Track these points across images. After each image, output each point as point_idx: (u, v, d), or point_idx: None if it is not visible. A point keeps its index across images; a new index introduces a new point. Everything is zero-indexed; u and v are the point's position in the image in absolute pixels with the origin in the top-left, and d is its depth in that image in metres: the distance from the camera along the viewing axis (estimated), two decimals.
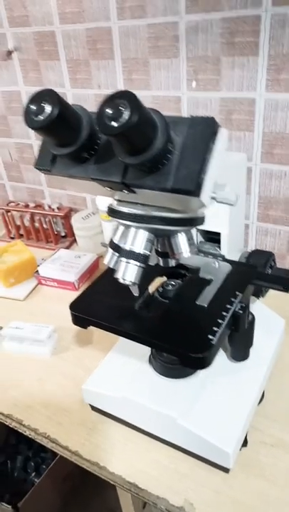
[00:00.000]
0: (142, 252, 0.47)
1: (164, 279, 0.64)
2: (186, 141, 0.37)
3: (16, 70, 1.04)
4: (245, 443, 0.63)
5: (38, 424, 0.71)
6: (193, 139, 0.37)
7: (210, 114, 0.85)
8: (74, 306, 0.58)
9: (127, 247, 0.48)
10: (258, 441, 0.65)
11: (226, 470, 0.61)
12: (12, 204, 1.24)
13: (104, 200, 1.04)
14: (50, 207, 1.20)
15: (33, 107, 0.36)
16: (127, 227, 0.48)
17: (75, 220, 1.13)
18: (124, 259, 0.47)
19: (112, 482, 0.65)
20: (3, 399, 0.76)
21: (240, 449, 0.63)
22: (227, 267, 0.61)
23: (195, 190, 0.36)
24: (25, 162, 1.22)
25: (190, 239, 0.50)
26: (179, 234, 0.50)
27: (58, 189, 1.23)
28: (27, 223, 1.22)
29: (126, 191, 0.42)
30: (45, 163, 0.44)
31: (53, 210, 1.19)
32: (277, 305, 0.78)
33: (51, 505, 1.28)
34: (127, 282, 0.47)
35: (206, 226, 0.69)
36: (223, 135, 0.40)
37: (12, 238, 1.26)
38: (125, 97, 0.33)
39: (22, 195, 1.31)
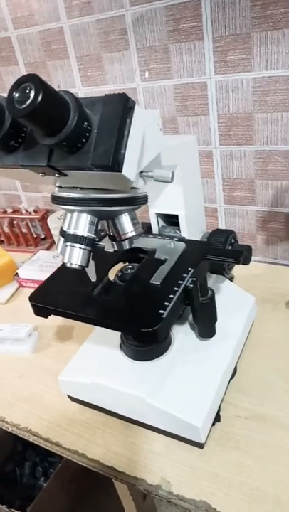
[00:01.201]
0: (85, 235, 0.49)
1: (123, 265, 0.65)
2: (102, 119, 0.38)
3: None
4: (218, 418, 0.64)
5: (20, 420, 0.72)
6: (108, 116, 0.38)
7: (166, 102, 0.86)
8: (33, 297, 0.59)
9: (71, 231, 0.49)
10: (233, 415, 0.66)
11: (200, 446, 0.62)
12: None
13: None
14: (27, 210, 1.22)
15: None
16: (71, 212, 0.50)
17: (51, 221, 1.15)
18: (68, 244, 0.49)
19: (92, 468, 0.66)
20: None
21: (214, 425, 0.64)
22: (181, 246, 0.62)
23: (113, 165, 0.38)
24: None
25: (134, 219, 0.51)
26: (122, 215, 0.51)
27: (33, 192, 1.25)
28: (6, 229, 1.24)
29: (57, 174, 0.43)
30: None
31: (30, 213, 1.21)
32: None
33: (60, 508, 1.29)
34: (73, 266, 0.49)
35: (163, 209, 0.71)
36: (148, 112, 0.42)
37: None
38: (30, 80, 0.34)
39: (0, 201, 1.33)
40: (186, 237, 0.69)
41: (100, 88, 0.91)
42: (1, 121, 0.40)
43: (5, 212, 1.23)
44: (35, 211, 1.21)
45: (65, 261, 0.49)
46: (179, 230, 0.70)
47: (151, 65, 0.84)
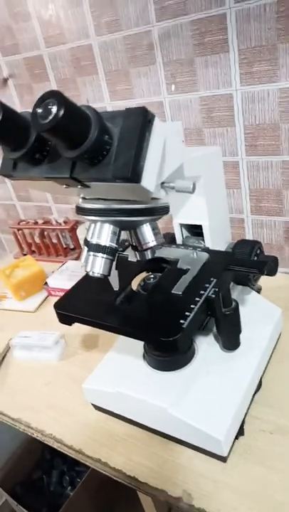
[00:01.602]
0: (107, 245, 0.50)
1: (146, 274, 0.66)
2: (122, 132, 0.39)
3: (12, 94, 1.11)
4: (242, 431, 0.63)
5: (45, 426, 0.73)
6: (128, 128, 0.39)
7: (192, 114, 0.87)
8: (58, 305, 0.61)
9: (94, 241, 0.50)
10: (257, 429, 0.65)
11: (223, 459, 0.61)
12: (23, 223, 1.30)
13: None
14: (57, 221, 1.25)
15: None
16: (94, 222, 0.51)
17: (80, 232, 1.17)
18: (91, 253, 0.50)
19: (114, 478, 0.66)
20: (12, 404, 0.79)
21: (238, 438, 0.63)
22: (204, 256, 0.62)
23: (132, 177, 0.39)
24: None
25: (155, 229, 0.52)
26: (144, 225, 0.52)
27: (63, 204, 1.28)
28: (37, 240, 1.27)
29: (80, 186, 0.45)
30: (7, 169, 0.48)
31: (60, 224, 1.24)
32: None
33: None
34: (96, 275, 0.50)
35: (187, 220, 0.72)
36: (168, 125, 0.42)
37: (25, 255, 1.31)
38: (52, 96, 0.36)
39: (31, 213, 1.37)
40: (210, 248, 0.69)
41: (127, 102, 0.93)
42: (26, 136, 0.42)
43: (36, 223, 1.27)
44: (65, 222, 1.24)
45: (88, 270, 0.50)
46: (203, 240, 0.70)
47: (177, 78, 0.85)
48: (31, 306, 1.07)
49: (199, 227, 0.70)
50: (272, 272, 0.67)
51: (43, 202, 1.31)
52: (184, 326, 0.50)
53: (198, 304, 0.53)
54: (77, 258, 1.25)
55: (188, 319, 0.51)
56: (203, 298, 0.54)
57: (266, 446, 0.62)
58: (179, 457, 0.63)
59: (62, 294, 1.08)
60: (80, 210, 0.51)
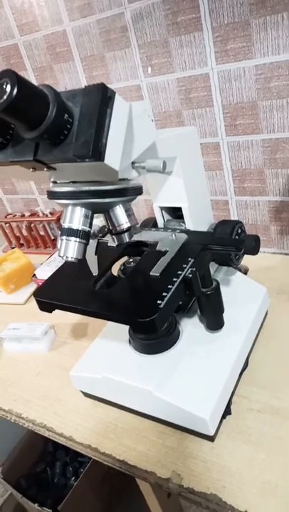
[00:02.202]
0: (80, 228, 0.49)
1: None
2: (82, 110, 0.39)
3: None
4: (228, 410, 0.63)
5: (36, 416, 0.74)
6: (87, 106, 0.38)
7: (170, 96, 0.86)
8: (37, 293, 0.60)
9: (66, 225, 0.50)
10: (245, 408, 0.65)
11: (210, 439, 0.61)
12: (10, 216, 1.29)
13: None
14: (43, 213, 1.24)
15: None
16: (65, 206, 0.50)
17: None
18: (64, 238, 0.49)
19: (104, 462, 0.66)
20: (4, 396, 0.79)
21: (225, 417, 0.63)
22: (183, 237, 0.61)
23: (93, 155, 0.38)
24: None
25: (128, 210, 0.52)
26: (116, 207, 0.51)
27: None
28: (25, 233, 1.27)
29: (46, 169, 0.44)
30: None
31: (46, 215, 1.23)
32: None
33: (92, 507, 1.30)
34: (69, 259, 0.49)
35: (166, 202, 0.71)
36: (124, 101, 0.42)
37: (13, 248, 1.31)
38: (6, 75, 0.35)
39: (18, 206, 1.36)
40: (191, 229, 0.69)
41: None
42: None
43: (23, 216, 1.26)
44: (51, 213, 1.23)
45: (61, 254, 0.49)
46: (184, 222, 0.70)
47: (153, 60, 0.84)
48: (20, 298, 1.07)
49: (180, 209, 0.69)
50: (253, 250, 0.67)
51: (29, 194, 1.31)
52: (161, 306, 0.50)
53: (176, 284, 0.52)
54: None
55: (166, 299, 0.50)
56: (180, 278, 0.53)
57: (254, 425, 0.62)
58: (169, 439, 0.64)
59: None
60: (51, 195, 0.50)
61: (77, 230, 0.49)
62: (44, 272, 1.08)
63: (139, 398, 0.63)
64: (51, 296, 0.59)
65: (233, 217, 0.95)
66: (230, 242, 0.59)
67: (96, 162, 0.39)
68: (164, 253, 0.59)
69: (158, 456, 0.62)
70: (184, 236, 0.62)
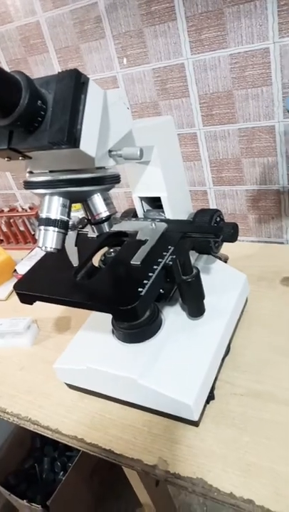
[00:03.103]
0: (58, 218, 0.49)
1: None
2: (56, 97, 0.39)
3: None
4: (212, 396, 0.64)
5: (21, 410, 0.73)
6: (61, 92, 0.38)
7: (146, 87, 0.86)
8: (18, 286, 0.60)
9: (43, 215, 0.49)
10: (229, 393, 0.66)
11: (195, 424, 0.62)
12: None
13: None
14: (23, 208, 1.23)
15: None
16: (43, 196, 0.50)
17: None
18: (42, 228, 0.49)
19: (91, 453, 0.66)
20: None
21: (208, 403, 0.64)
22: (163, 226, 0.62)
23: (68, 141, 0.38)
24: None
25: (106, 199, 0.51)
26: (94, 195, 0.51)
27: None
28: (5, 228, 1.25)
29: (21, 158, 0.44)
30: None
31: (26, 210, 1.22)
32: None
33: (82, 501, 1.30)
34: (48, 249, 0.49)
35: (145, 192, 0.71)
36: (98, 88, 0.42)
37: None
38: None
39: None
40: (158, 218, 0.69)
41: None
42: None
43: (2, 211, 1.25)
44: (30, 208, 1.22)
45: (40, 245, 0.49)
46: (163, 212, 0.70)
47: (128, 51, 0.84)
48: (2, 294, 1.06)
49: (159, 199, 0.70)
50: (231, 238, 0.68)
51: (7, 189, 1.29)
52: (142, 293, 0.50)
53: (156, 271, 0.53)
54: None
55: (146, 287, 0.51)
56: (160, 265, 0.54)
57: (237, 409, 0.63)
58: (154, 427, 0.64)
59: None
60: (28, 185, 0.50)
61: (55, 219, 0.49)
62: (25, 267, 1.07)
63: (123, 387, 0.64)
64: (32, 288, 0.58)
65: (212, 206, 0.96)
66: (210, 230, 0.59)
67: (72, 149, 0.39)
68: (144, 242, 0.59)
69: (144, 443, 0.63)
70: (164, 225, 0.62)
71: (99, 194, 0.51)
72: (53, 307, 0.93)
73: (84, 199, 0.51)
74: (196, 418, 0.60)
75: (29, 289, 0.58)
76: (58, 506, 1.14)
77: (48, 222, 0.49)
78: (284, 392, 0.64)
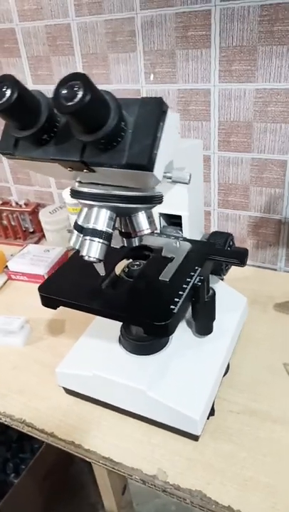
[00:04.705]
0: (104, 230, 0.50)
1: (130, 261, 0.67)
2: (138, 120, 0.40)
3: None
4: (212, 412, 0.67)
5: (15, 411, 0.72)
6: (144, 117, 0.40)
7: (168, 105, 0.89)
8: (42, 288, 0.60)
9: (90, 225, 0.50)
10: (225, 410, 0.69)
11: (195, 438, 0.64)
12: None
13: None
14: (17, 203, 1.21)
15: None
16: (90, 207, 0.51)
17: (43, 215, 1.15)
18: (87, 238, 0.50)
19: (88, 459, 0.67)
20: None
21: (208, 418, 0.66)
22: (187, 246, 0.64)
23: (147, 165, 0.40)
24: None
25: (150, 217, 0.53)
26: (139, 212, 0.53)
27: (24, 185, 1.24)
28: None
29: (86, 170, 0.45)
30: (8, 147, 0.46)
31: (20, 206, 1.20)
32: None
33: (33, 504, 1.29)
34: (91, 259, 0.50)
35: (168, 210, 0.73)
36: (172, 116, 0.44)
37: None
38: (78, 78, 0.36)
39: None
40: (187, 237, 0.72)
41: (104, 86, 0.91)
42: (37, 115, 0.41)
43: None
44: (26, 204, 1.20)
45: (84, 254, 0.50)
46: (180, 230, 0.73)
47: (156, 68, 0.86)
48: None
49: (176, 217, 0.72)
50: (244, 263, 0.72)
51: (2, 182, 1.27)
52: (175, 311, 0.52)
53: (186, 290, 0.55)
54: (38, 242, 1.22)
55: (178, 305, 0.53)
56: (190, 285, 0.56)
57: (234, 426, 0.66)
58: (153, 437, 0.66)
59: (24, 278, 1.06)
60: (77, 194, 0.51)
61: (102, 231, 0.50)
62: (17, 265, 1.06)
63: (130, 397, 0.65)
64: (58, 292, 0.59)
65: (214, 227, 1.00)
66: (234, 255, 0.62)
67: (144, 171, 0.41)
68: (170, 259, 0.62)
69: (143, 453, 0.64)
70: (188, 245, 0.64)
71: (143, 212, 0.53)
72: (45, 308, 0.93)
73: (128, 214, 0.53)
74: (199, 433, 0.63)
75: (56, 294, 0.58)
76: (10, 509, 1.12)
77: (95, 233, 0.50)
78: (278, 412, 0.68)
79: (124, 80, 0.90)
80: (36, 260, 1.07)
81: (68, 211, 1.10)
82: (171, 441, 0.65)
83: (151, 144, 0.40)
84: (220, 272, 0.74)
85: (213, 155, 0.90)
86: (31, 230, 1.26)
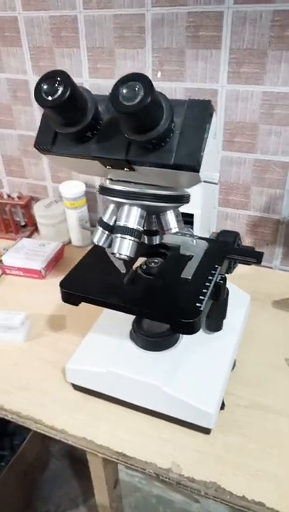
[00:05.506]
0: (135, 228, 0.51)
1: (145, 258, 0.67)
2: (186, 121, 0.41)
3: None
4: (222, 406, 0.69)
5: (20, 408, 0.72)
6: (193, 119, 0.41)
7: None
8: (64, 284, 0.60)
9: (122, 223, 0.51)
10: (233, 404, 0.71)
11: (206, 431, 0.66)
12: None
13: (68, 188, 1.06)
14: (9, 196, 1.19)
15: (46, 87, 0.38)
16: (120, 204, 0.51)
17: (38, 209, 1.13)
18: (119, 235, 0.50)
19: (100, 455, 0.67)
20: None
21: (218, 412, 0.68)
22: (204, 244, 0.66)
23: (196, 167, 0.40)
24: None
25: (178, 215, 0.54)
26: (168, 211, 0.53)
27: (17, 177, 1.22)
28: None
29: (126, 169, 0.45)
30: (46, 143, 0.46)
31: (13, 199, 1.18)
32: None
33: (14, 500, 1.28)
34: (122, 257, 0.50)
35: (181, 208, 0.75)
36: (213, 119, 0.45)
37: None
38: (139, 79, 0.36)
39: None
40: (198, 235, 0.73)
41: (109, 81, 0.92)
42: (84, 112, 0.41)
43: None
44: (18, 197, 1.18)
45: (115, 251, 0.50)
46: (191, 228, 0.74)
47: (164, 66, 0.86)
48: None
49: (186, 215, 0.73)
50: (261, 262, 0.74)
51: None
52: (201, 308, 0.53)
53: (210, 288, 0.57)
54: (30, 236, 1.21)
55: (204, 303, 0.54)
56: (212, 283, 0.58)
57: (243, 419, 0.68)
58: (163, 432, 0.67)
59: (19, 272, 1.05)
60: (108, 191, 0.51)
61: (133, 229, 0.50)
62: (12, 259, 1.04)
63: (143, 393, 0.66)
64: (80, 288, 0.59)
65: (213, 225, 1.02)
66: (251, 254, 0.64)
67: (191, 172, 0.42)
68: (189, 257, 0.63)
69: (155, 447, 0.65)
70: (205, 243, 0.66)
71: (172, 210, 0.53)
72: (45, 303, 0.93)
73: (157, 213, 0.54)
74: (212, 426, 0.64)
75: (79, 290, 0.58)
76: None
77: (126, 230, 0.50)
78: (282, 405, 0.70)
79: None
80: (32, 255, 1.05)
81: (65, 205, 1.09)
82: (181, 434, 0.67)
83: (199, 146, 0.40)
84: (228, 269, 0.75)
85: (217, 154, 0.92)
86: (23, 223, 1.23)
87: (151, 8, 0.81)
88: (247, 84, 0.82)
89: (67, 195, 1.06)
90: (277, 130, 0.84)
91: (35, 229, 1.21)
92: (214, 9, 0.77)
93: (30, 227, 1.22)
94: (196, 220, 0.72)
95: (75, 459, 1.41)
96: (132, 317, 0.70)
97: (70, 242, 1.16)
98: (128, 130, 0.40)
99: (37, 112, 1.06)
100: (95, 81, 0.94)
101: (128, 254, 0.51)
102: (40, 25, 0.92)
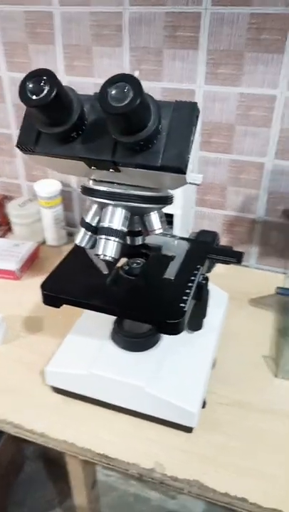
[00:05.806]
0: (120, 229, 0.50)
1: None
2: (172, 123, 0.41)
3: None
4: (204, 404, 0.69)
5: None
6: (179, 121, 0.41)
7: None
8: (45, 286, 0.59)
9: (106, 224, 0.50)
10: (214, 402, 0.71)
11: (189, 430, 0.67)
12: None
13: (43, 187, 1.04)
14: None
15: (31, 86, 0.37)
16: (104, 205, 0.51)
17: (12, 207, 1.11)
18: (103, 236, 0.50)
19: (81, 457, 0.67)
20: None
21: (200, 411, 0.69)
22: (185, 244, 0.66)
23: (183, 168, 0.41)
24: None
25: (162, 216, 0.54)
26: (152, 212, 0.53)
27: None
28: None
29: (111, 170, 0.44)
30: (29, 142, 0.45)
31: None
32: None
33: None
34: (107, 258, 0.50)
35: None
36: (199, 120, 0.45)
37: None
38: (127, 80, 0.36)
39: None
40: (178, 235, 0.73)
41: (86, 79, 0.90)
42: (70, 113, 0.40)
43: None
44: None
45: (100, 252, 0.50)
46: (171, 228, 0.74)
47: (142, 65, 0.86)
48: None
49: (168, 215, 0.73)
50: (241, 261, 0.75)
51: None
52: (185, 309, 0.54)
53: (192, 289, 0.57)
54: (3, 235, 1.18)
55: (188, 303, 0.54)
56: (195, 283, 0.58)
57: (224, 417, 0.69)
58: (145, 431, 0.67)
59: None
60: (91, 192, 0.50)
61: (117, 230, 0.50)
62: None
63: (126, 394, 0.66)
64: (62, 290, 0.58)
65: (190, 225, 1.02)
66: (232, 254, 0.65)
67: (178, 174, 0.42)
68: (171, 258, 0.63)
69: (137, 447, 0.65)
70: (186, 243, 0.66)
71: (156, 212, 0.53)
72: (21, 304, 0.91)
73: (141, 214, 0.53)
74: (195, 425, 0.65)
75: (61, 292, 0.57)
76: None
77: (110, 232, 0.50)
78: (262, 402, 0.72)
79: (108, 73, 0.88)
80: (6, 255, 1.03)
81: (40, 204, 1.07)
82: (164, 434, 0.67)
83: (186, 148, 0.40)
84: (209, 268, 0.76)
85: (196, 154, 0.93)
86: None
87: (129, 6, 0.81)
88: (224, 85, 0.83)
89: (42, 194, 1.04)
90: (253, 131, 0.86)
91: (9, 228, 1.18)
92: (192, 10, 0.78)
93: (4, 226, 1.20)
94: (176, 220, 0.72)
95: (51, 460, 1.39)
96: (112, 318, 0.69)
97: (44, 241, 1.14)
98: (116, 131, 0.40)
99: (10, 109, 1.03)
100: (72, 79, 0.92)
101: (113, 256, 0.50)
102: (13, 20, 0.90)
